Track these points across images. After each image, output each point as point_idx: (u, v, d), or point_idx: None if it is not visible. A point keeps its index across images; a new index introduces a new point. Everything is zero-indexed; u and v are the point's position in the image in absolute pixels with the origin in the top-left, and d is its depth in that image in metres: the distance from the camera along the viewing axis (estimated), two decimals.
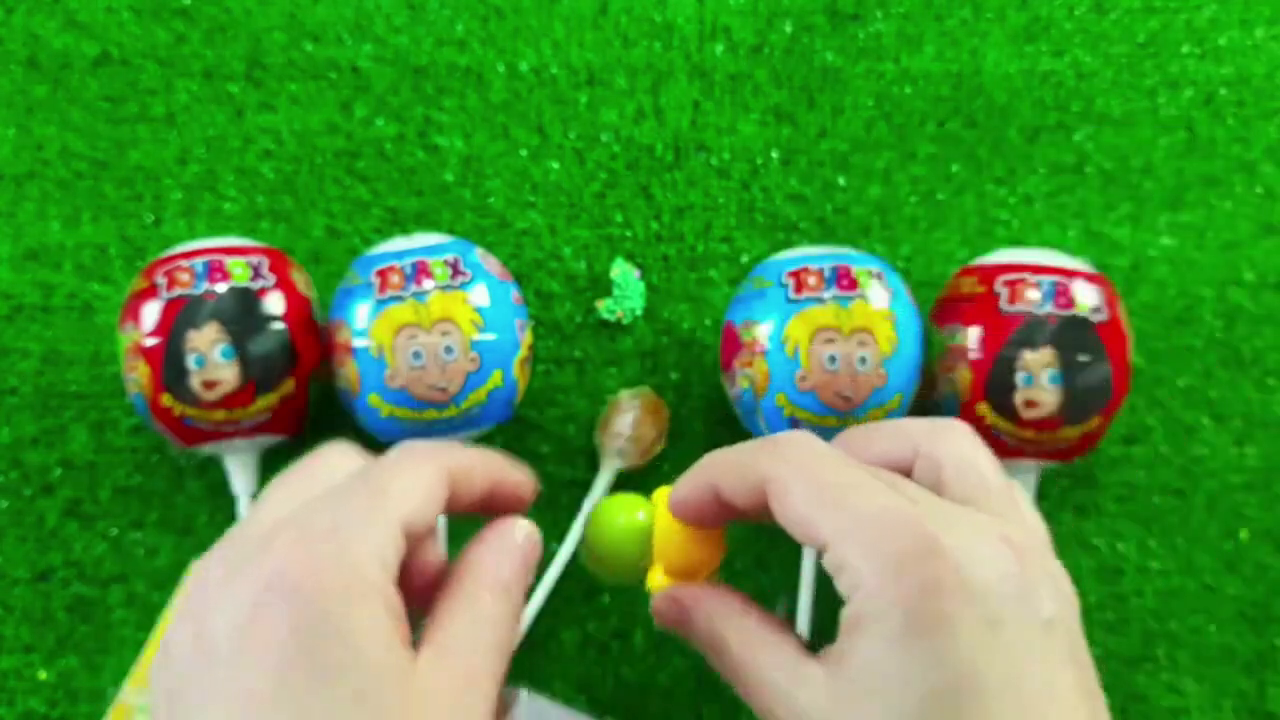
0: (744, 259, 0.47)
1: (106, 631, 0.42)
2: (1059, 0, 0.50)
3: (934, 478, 0.27)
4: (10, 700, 0.41)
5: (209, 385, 0.37)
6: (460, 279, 0.38)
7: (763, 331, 0.38)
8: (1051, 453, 0.39)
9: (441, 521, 0.40)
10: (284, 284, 0.39)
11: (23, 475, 0.43)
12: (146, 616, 0.42)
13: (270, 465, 0.43)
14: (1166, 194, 0.48)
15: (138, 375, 0.38)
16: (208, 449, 0.39)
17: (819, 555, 0.25)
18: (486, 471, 0.27)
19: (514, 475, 0.28)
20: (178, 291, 0.38)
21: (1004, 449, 0.38)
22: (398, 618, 0.23)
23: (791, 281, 0.38)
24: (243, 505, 0.41)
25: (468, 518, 0.29)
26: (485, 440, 0.42)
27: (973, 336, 0.38)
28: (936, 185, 0.48)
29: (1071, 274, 0.38)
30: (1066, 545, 0.44)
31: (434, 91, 0.48)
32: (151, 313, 0.37)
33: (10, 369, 0.44)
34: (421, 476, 0.25)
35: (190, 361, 0.37)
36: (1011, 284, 0.38)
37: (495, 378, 0.38)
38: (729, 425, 0.44)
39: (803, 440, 0.27)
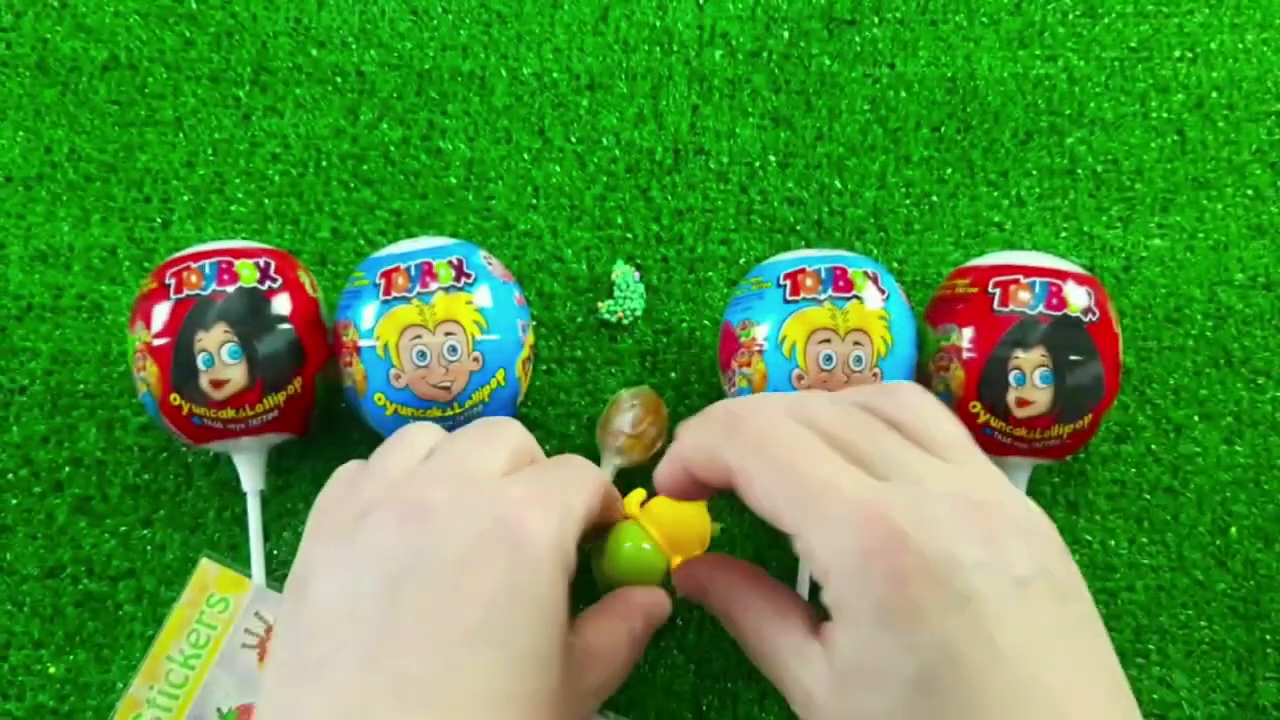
0: (742, 261, 0.47)
1: (115, 627, 0.43)
2: (1052, 5, 0.51)
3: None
4: (20, 695, 0.42)
5: (217, 384, 0.38)
6: (464, 280, 0.39)
7: (760, 332, 0.39)
8: (1043, 451, 0.39)
9: None
10: (291, 285, 0.40)
11: (33, 473, 0.44)
12: (155, 612, 0.43)
13: (277, 463, 0.44)
14: (1157, 196, 0.48)
15: (147, 375, 0.38)
16: (216, 447, 0.40)
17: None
18: (613, 500, 0.32)
19: (615, 507, 0.33)
20: (187, 292, 0.38)
21: (997, 447, 0.39)
22: (571, 588, 0.27)
23: (789, 283, 0.39)
24: (251, 502, 0.42)
25: None
26: None
27: (966, 336, 0.39)
28: (931, 188, 0.48)
29: (1063, 275, 0.39)
30: None
31: (438, 96, 0.49)
32: (161, 313, 0.38)
33: (20, 368, 0.45)
34: (599, 478, 0.30)
35: (199, 361, 0.38)
36: (1004, 285, 0.39)
37: (498, 377, 0.39)
38: None
39: (763, 419, 0.26)
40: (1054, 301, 0.38)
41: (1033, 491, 0.44)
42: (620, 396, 0.43)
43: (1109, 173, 0.48)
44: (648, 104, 0.49)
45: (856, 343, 0.38)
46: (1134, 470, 0.45)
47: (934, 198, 0.48)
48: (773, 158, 0.49)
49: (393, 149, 0.48)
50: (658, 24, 0.50)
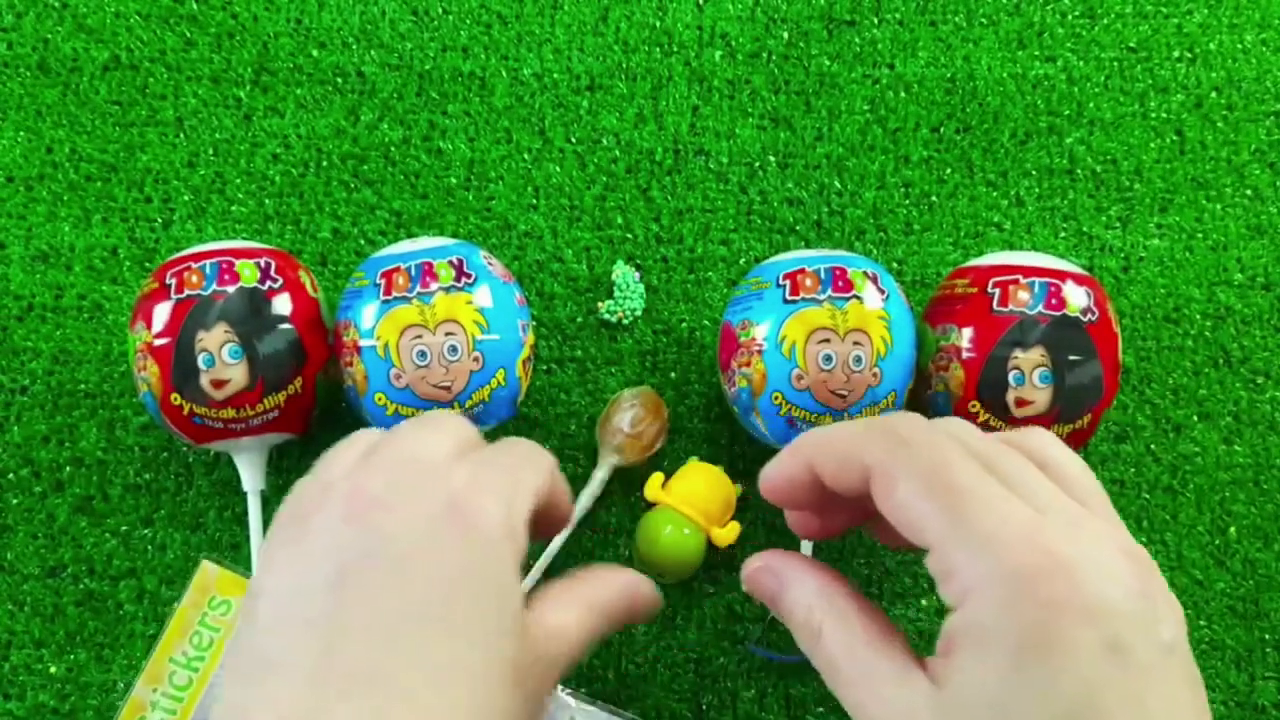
0: (742, 261, 0.47)
1: (116, 626, 0.43)
2: (1051, 6, 0.51)
3: None
4: (21, 694, 0.42)
5: (218, 384, 0.38)
6: (465, 281, 0.39)
7: (760, 332, 0.39)
8: None
9: None
10: (291, 285, 0.40)
11: (34, 473, 0.44)
12: (156, 612, 0.43)
13: (278, 462, 0.44)
14: (1156, 197, 0.48)
15: (148, 374, 0.38)
16: (216, 447, 0.40)
17: (922, 555, 0.23)
18: (560, 484, 0.31)
19: (568, 502, 0.32)
20: (188, 292, 0.38)
21: None
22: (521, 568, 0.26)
23: (788, 283, 0.39)
24: (252, 501, 0.42)
25: None
26: (489, 437, 0.43)
27: (965, 336, 0.39)
28: (930, 188, 0.48)
29: (1062, 275, 0.39)
30: None
31: (438, 97, 0.49)
32: (162, 313, 0.38)
33: (21, 368, 0.45)
34: (547, 459, 0.29)
35: (200, 361, 0.38)
36: (1003, 285, 0.39)
37: (498, 377, 0.39)
38: (727, 423, 0.45)
39: (916, 426, 0.25)
40: (1053, 301, 0.39)
41: None
42: (621, 396, 0.43)
43: (1108, 173, 0.49)
44: (648, 104, 0.49)
45: (856, 343, 0.38)
46: (1133, 470, 0.45)
47: (933, 198, 0.48)
48: (772, 158, 0.49)
49: (393, 149, 0.48)
50: (657, 25, 0.50)
